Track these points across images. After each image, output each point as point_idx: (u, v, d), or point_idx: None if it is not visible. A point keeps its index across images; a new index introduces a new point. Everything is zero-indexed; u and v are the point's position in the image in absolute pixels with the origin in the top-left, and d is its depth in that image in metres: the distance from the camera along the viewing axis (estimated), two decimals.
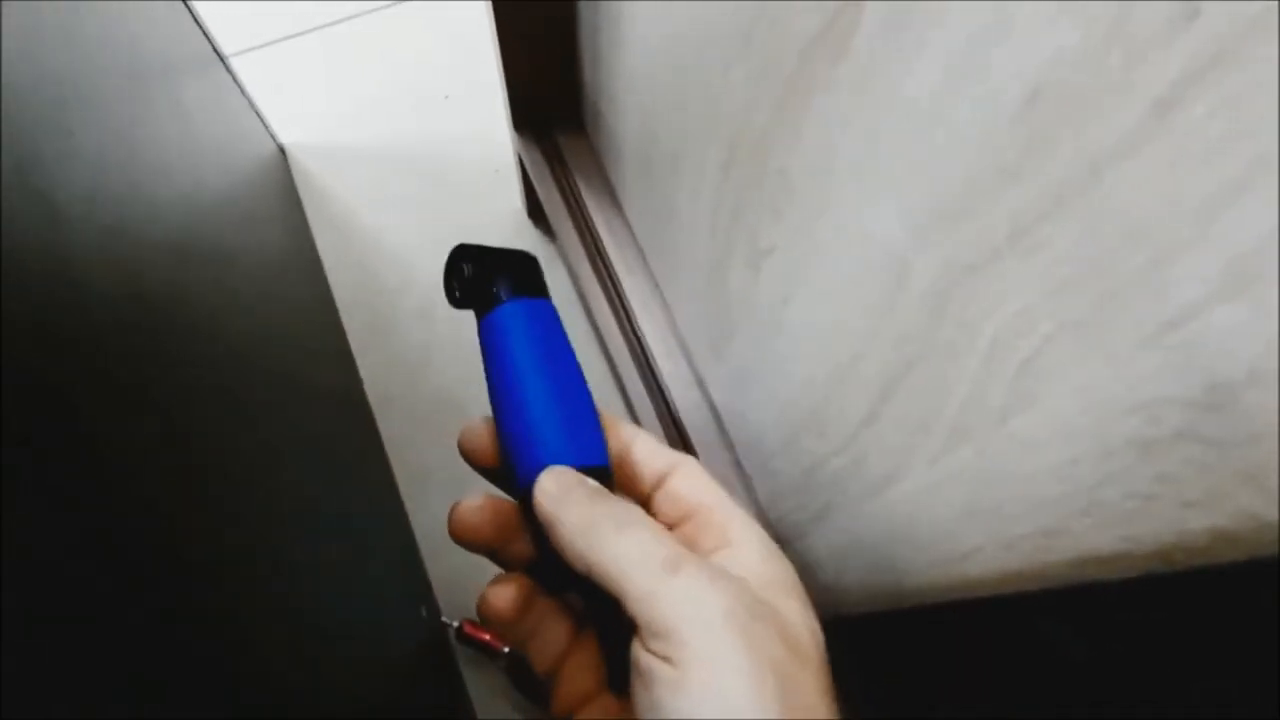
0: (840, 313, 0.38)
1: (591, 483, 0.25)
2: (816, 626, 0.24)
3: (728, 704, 0.20)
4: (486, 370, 0.28)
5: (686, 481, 0.27)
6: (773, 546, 0.26)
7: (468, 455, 0.28)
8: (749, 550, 0.25)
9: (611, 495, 0.25)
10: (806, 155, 0.36)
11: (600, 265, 0.73)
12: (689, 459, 0.28)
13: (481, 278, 0.29)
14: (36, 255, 0.31)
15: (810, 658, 0.22)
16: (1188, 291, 0.19)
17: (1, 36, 0.34)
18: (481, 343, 0.28)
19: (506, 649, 0.77)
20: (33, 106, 0.35)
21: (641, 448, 0.28)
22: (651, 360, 0.67)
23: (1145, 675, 0.30)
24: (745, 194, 0.44)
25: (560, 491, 0.24)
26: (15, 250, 0.29)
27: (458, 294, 0.29)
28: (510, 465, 0.27)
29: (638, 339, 0.68)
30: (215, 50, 0.85)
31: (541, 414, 0.26)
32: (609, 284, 0.71)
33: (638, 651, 0.22)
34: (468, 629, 0.78)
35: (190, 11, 0.80)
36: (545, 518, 0.24)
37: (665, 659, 0.21)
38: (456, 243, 0.30)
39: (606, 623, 0.27)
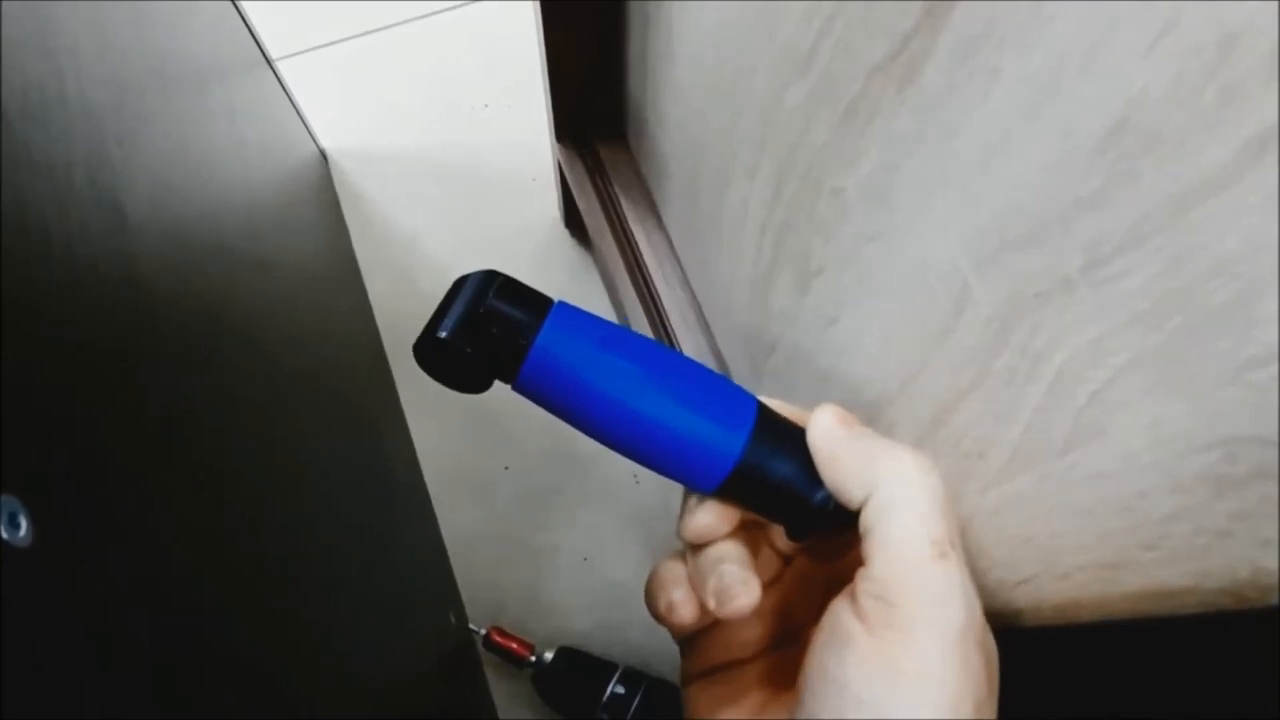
0: (891, 336, 0.38)
1: (865, 428, 0.25)
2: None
3: (913, 707, 0.20)
4: (572, 407, 0.25)
5: None
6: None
7: (705, 532, 0.27)
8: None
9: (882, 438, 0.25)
10: (865, 176, 0.36)
11: (639, 278, 0.73)
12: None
13: (484, 343, 0.24)
14: (107, 259, 0.32)
15: (990, 714, 0.22)
16: (1275, 331, 0.19)
17: (79, 44, 0.35)
18: (536, 392, 0.25)
19: (533, 657, 0.77)
20: (103, 112, 0.36)
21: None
22: None
23: (1208, 715, 0.29)
24: (797, 213, 0.44)
25: (843, 430, 0.24)
26: (89, 255, 0.30)
27: (471, 377, 0.25)
28: (687, 464, 0.25)
29: None
30: (263, 53, 0.87)
31: (688, 397, 0.25)
32: (648, 297, 0.72)
33: (842, 610, 0.22)
34: (495, 637, 0.78)
35: (240, 13, 0.81)
36: (828, 454, 0.24)
37: (872, 631, 0.21)
38: (478, 270, 0.26)
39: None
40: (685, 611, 0.27)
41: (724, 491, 0.25)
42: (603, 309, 0.94)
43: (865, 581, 0.22)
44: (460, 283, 0.25)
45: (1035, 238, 0.26)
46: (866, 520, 0.23)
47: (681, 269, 0.72)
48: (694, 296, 0.71)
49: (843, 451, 0.24)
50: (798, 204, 0.44)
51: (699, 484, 0.25)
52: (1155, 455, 0.24)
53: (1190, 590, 0.25)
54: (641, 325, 0.71)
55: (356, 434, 0.69)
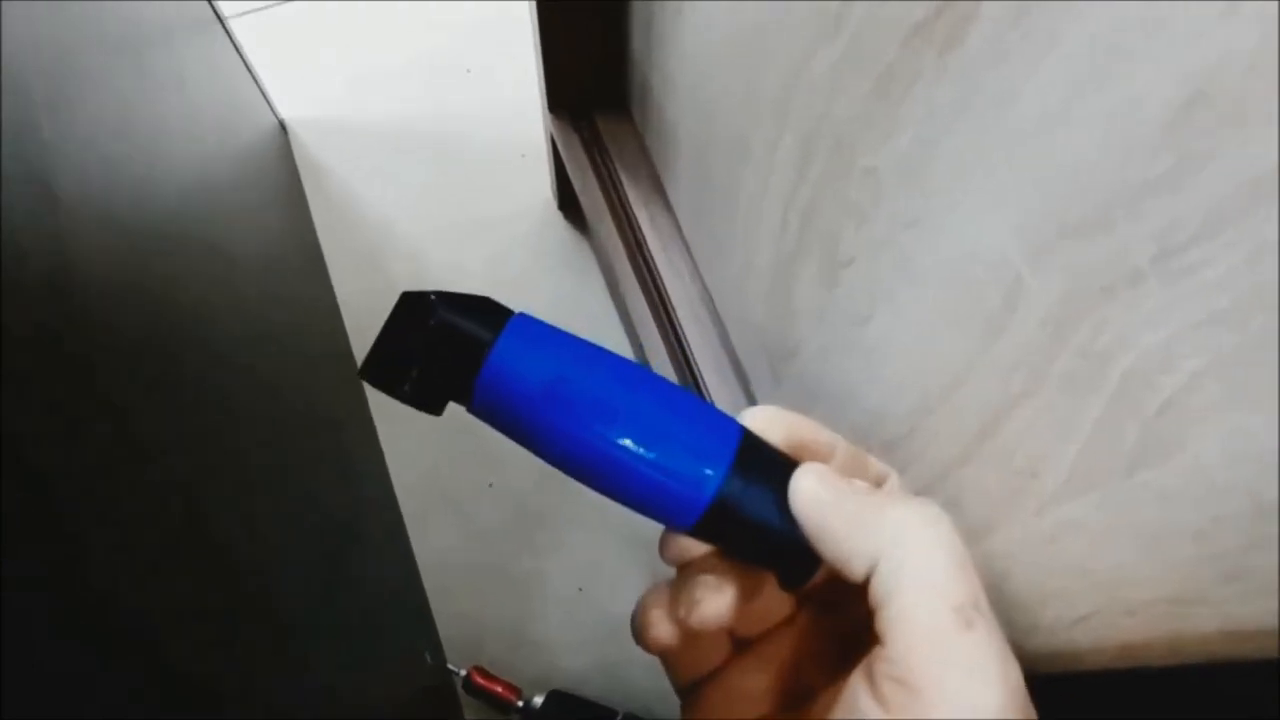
0: (933, 336, 0.38)
1: (858, 483, 0.25)
2: None
3: None
4: (529, 433, 0.25)
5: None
6: None
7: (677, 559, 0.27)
8: None
9: (883, 492, 0.25)
10: (902, 154, 0.36)
11: (642, 266, 0.73)
12: (894, 473, 0.28)
13: (436, 362, 0.25)
14: (34, 245, 0.32)
15: None
16: None
17: None
18: (493, 416, 0.26)
19: (520, 702, 0.77)
20: (30, 75, 0.36)
21: (845, 451, 0.28)
22: (700, 379, 0.67)
23: None
24: (824, 195, 0.44)
25: (831, 495, 0.24)
26: (13, 239, 0.30)
27: (425, 398, 0.26)
28: (657, 499, 0.25)
29: (684, 354, 0.69)
30: (215, 11, 0.87)
31: (658, 423, 0.25)
32: (652, 289, 0.72)
33: (860, 693, 0.22)
34: (477, 679, 0.78)
35: None
36: (815, 526, 0.24)
37: (888, 707, 0.21)
38: (423, 289, 0.26)
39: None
40: (660, 630, 0.27)
41: (702, 531, 0.26)
42: (600, 303, 0.94)
43: (882, 662, 0.22)
44: (408, 297, 0.26)
45: (1098, 223, 0.26)
46: (875, 595, 0.22)
47: (691, 257, 0.72)
48: (705, 289, 0.71)
49: (833, 519, 0.24)
50: (825, 183, 0.44)
51: (672, 521, 0.26)
52: (1234, 474, 0.24)
53: (1274, 631, 0.25)
54: (646, 322, 0.71)
55: (318, 444, 0.69)
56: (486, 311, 0.26)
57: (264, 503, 0.50)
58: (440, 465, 0.90)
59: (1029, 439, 0.33)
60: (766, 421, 0.27)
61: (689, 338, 0.69)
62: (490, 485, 0.89)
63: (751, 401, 0.66)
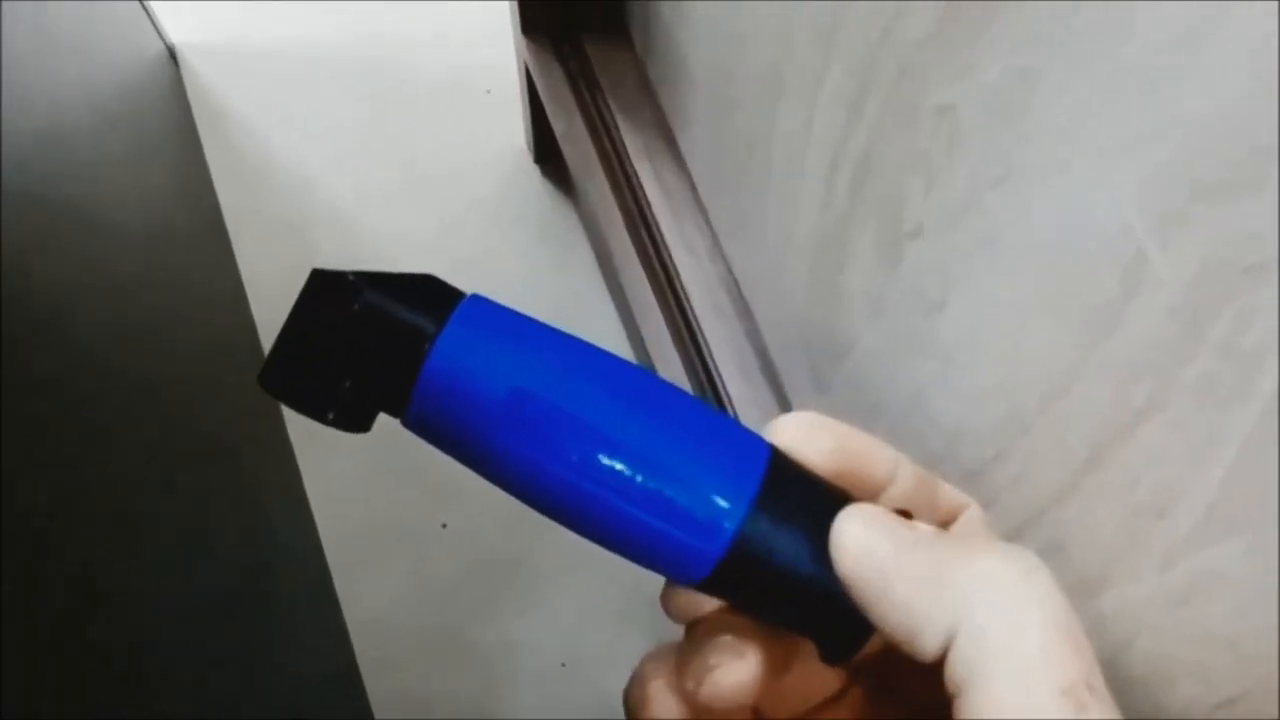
0: (1028, 329, 0.38)
1: (922, 526, 0.24)
2: None
3: None
4: (483, 455, 0.25)
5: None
6: None
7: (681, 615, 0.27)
8: None
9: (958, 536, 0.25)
10: (988, 88, 0.36)
11: (644, 237, 0.73)
12: (974, 504, 0.28)
13: (359, 361, 0.25)
14: None
15: None
16: None
17: None
18: (436, 432, 0.25)
19: None
20: None
21: (906, 474, 0.27)
22: (721, 385, 0.67)
23: None
24: (884, 143, 0.44)
25: (888, 545, 0.23)
26: None
27: (346, 411, 0.25)
28: (657, 544, 0.25)
29: (700, 352, 0.69)
30: None
31: (658, 440, 0.25)
32: (657, 267, 0.72)
33: None
34: None
35: None
36: (867, 587, 0.23)
37: None
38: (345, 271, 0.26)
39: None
40: (662, 707, 0.27)
41: (716, 585, 0.25)
42: (588, 285, 0.94)
43: None
44: (321, 277, 0.26)
45: (1247, 182, 0.26)
46: (954, 676, 0.22)
47: (709, 226, 0.72)
48: (728, 267, 0.71)
49: (892, 579, 0.23)
50: (885, 128, 0.44)
51: (677, 573, 0.25)
52: None
53: None
54: (649, 310, 0.71)
55: (214, 472, 0.69)
56: (428, 293, 0.26)
57: (136, 552, 0.50)
58: (378, 499, 0.90)
59: (1155, 466, 0.33)
60: (804, 435, 0.26)
61: (706, 331, 0.69)
62: (444, 525, 0.88)
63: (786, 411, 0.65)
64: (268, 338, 0.94)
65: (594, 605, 0.86)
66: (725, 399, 0.67)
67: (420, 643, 0.85)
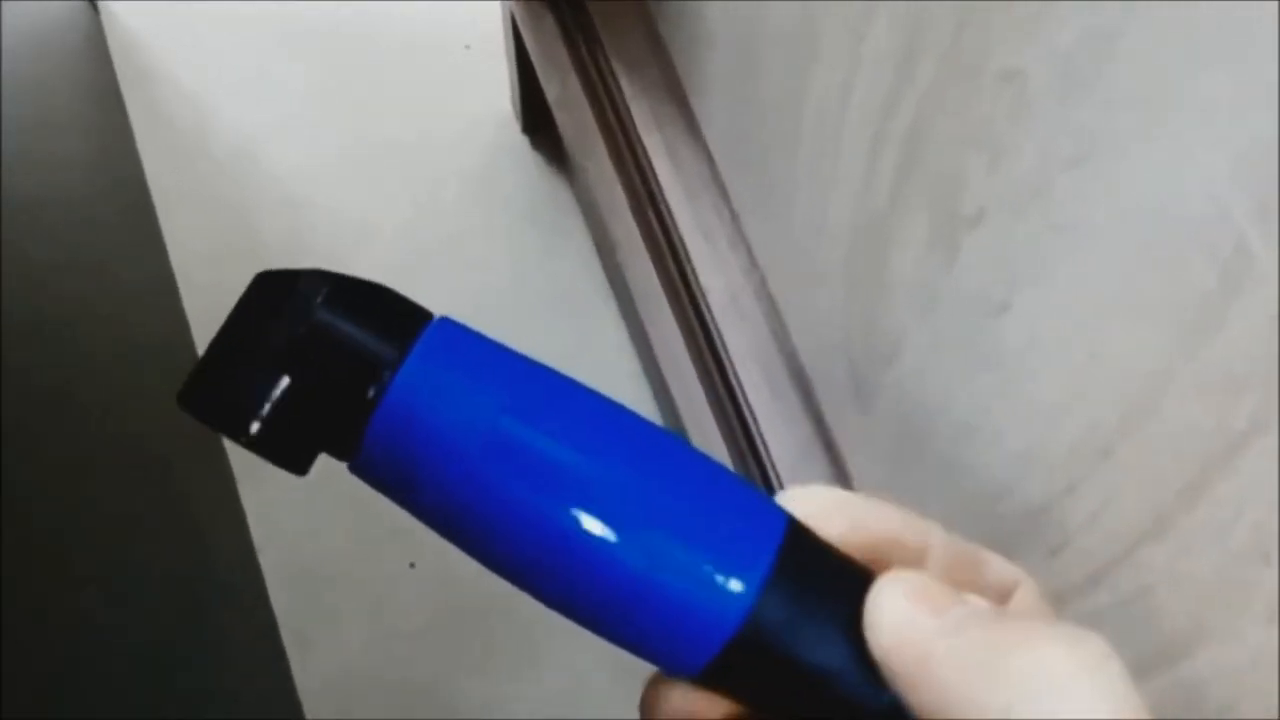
0: (1108, 334, 0.38)
1: (974, 599, 0.25)
2: None
3: None
4: (445, 510, 0.26)
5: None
6: None
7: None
8: None
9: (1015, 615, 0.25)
10: (1061, 50, 0.36)
11: (653, 221, 0.73)
12: (1028, 578, 0.28)
13: (302, 391, 0.25)
14: None
15: None
16: None
17: None
18: (389, 481, 0.26)
19: None
20: None
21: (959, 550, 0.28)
22: (742, 397, 0.67)
23: None
24: (937, 112, 0.44)
25: (933, 621, 0.24)
26: None
27: (284, 448, 0.26)
28: (648, 628, 0.25)
29: (717, 358, 0.69)
30: None
31: (652, 504, 0.25)
32: (668, 258, 0.72)
33: None
34: None
35: None
36: (909, 671, 0.24)
37: None
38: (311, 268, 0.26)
39: None
40: None
41: (717, 677, 0.25)
42: (585, 277, 0.94)
43: None
44: (268, 281, 0.26)
45: None
46: None
47: (729, 207, 0.72)
48: (752, 258, 0.71)
49: (936, 659, 0.23)
50: (939, 94, 0.44)
51: (671, 663, 0.25)
52: None
53: None
54: (658, 308, 0.71)
55: (139, 496, 0.69)
56: (391, 313, 0.26)
57: (41, 593, 0.50)
58: (332, 541, 0.90)
59: (1259, 500, 0.33)
60: (821, 508, 0.26)
61: (724, 332, 0.69)
62: (411, 566, 0.89)
63: (822, 432, 0.65)
64: (203, 335, 0.94)
65: (584, 657, 0.86)
66: (748, 415, 0.67)
67: (385, 700, 0.85)
